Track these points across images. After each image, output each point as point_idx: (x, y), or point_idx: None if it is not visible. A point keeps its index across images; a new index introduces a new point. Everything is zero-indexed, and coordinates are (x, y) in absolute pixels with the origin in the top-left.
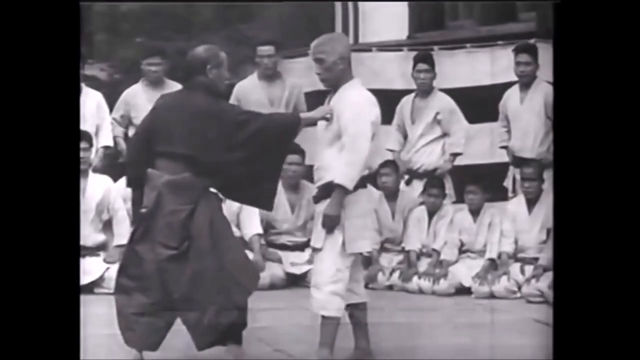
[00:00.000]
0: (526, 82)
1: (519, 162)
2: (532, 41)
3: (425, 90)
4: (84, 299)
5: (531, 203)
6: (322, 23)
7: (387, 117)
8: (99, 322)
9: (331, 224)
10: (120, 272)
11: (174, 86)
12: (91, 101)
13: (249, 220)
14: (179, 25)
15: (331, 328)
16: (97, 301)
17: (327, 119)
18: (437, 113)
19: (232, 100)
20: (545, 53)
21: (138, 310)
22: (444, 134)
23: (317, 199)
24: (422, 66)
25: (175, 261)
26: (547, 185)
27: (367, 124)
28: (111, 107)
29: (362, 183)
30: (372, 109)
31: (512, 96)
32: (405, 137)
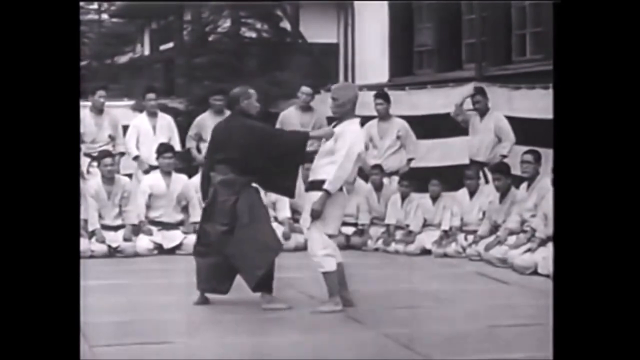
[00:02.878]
0: (482, 112)
1: (472, 165)
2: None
3: (383, 116)
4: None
5: (472, 193)
6: (330, 71)
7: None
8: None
9: (316, 215)
10: (197, 242)
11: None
12: (165, 121)
13: (281, 207)
14: (233, 72)
15: (332, 278)
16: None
17: (327, 138)
18: (398, 130)
19: (277, 124)
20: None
21: (211, 268)
22: (402, 146)
23: (307, 189)
24: (379, 100)
25: (226, 233)
26: (483, 181)
27: (355, 153)
28: (185, 128)
29: (341, 187)
30: (361, 144)
31: (474, 117)
32: (367, 148)
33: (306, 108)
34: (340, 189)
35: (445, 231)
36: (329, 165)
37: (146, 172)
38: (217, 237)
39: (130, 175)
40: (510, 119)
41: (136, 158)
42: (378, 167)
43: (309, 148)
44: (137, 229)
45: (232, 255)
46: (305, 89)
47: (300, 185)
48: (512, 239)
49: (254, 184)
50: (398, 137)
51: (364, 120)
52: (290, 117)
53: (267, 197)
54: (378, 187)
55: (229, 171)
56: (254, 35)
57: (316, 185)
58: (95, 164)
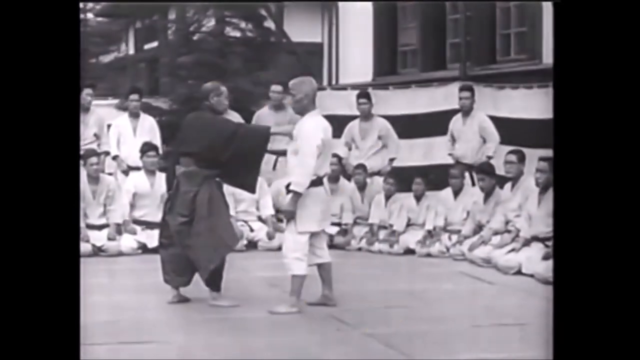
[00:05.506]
0: (467, 110)
1: (457, 165)
2: (456, 83)
3: (365, 116)
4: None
5: (456, 193)
6: (314, 70)
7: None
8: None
9: (289, 216)
10: (159, 234)
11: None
12: (147, 122)
13: (265, 205)
14: (218, 72)
15: (297, 281)
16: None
17: (290, 135)
18: (380, 130)
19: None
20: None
21: (172, 259)
22: (383, 146)
23: (286, 191)
24: (362, 100)
25: (185, 225)
26: (468, 181)
27: (313, 146)
28: (169, 128)
29: (316, 183)
30: (319, 134)
31: (457, 120)
32: (350, 148)
33: (279, 107)
34: (318, 185)
35: (429, 231)
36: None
37: (125, 172)
38: (177, 228)
39: (111, 174)
40: (495, 119)
41: (115, 158)
42: (361, 166)
43: (280, 147)
44: (121, 228)
45: (189, 246)
46: (275, 87)
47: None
48: (496, 239)
49: (216, 178)
50: (379, 137)
51: (348, 119)
52: (264, 117)
53: (249, 195)
54: (361, 187)
55: (192, 164)
56: (238, 34)
57: (289, 186)
58: (80, 162)
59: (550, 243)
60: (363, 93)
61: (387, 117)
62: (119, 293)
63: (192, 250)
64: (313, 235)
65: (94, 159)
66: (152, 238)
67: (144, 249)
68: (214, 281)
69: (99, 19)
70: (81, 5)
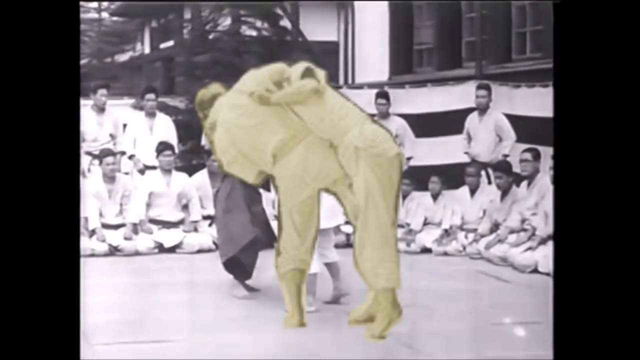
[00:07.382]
0: (483, 108)
1: (473, 163)
2: (472, 81)
3: (382, 115)
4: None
5: (473, 191)
6: (330, 69)
7: None
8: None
9: None
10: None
11: None
12: (163, 122)
13: None
14: (234, 70)
15: (310, 280)
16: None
17: None
18: (397, 129)
19: None
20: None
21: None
22: (400, 145)
23: None
24: (381, 100)
25: (214, 219)
26: (484, 179)
27: None
28: (185, 127)
29: None
30: None
31: (473, 118)
32: None
33: None
34: None
35: (445, 230)
36: None
37: (141, 171)
38: (222, 222)
39: (127, 174)
40: (510, 117)
41: (131, 157)
42: None
43: None
44: (137, 228)
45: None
46: None
47: None
48: (512, 237)
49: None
50: (396, 136)
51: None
52: None
53: (265, 194)
54: None
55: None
56: (254, 33)
57: None
58: (96, 162)
59: None
60: (382, 93)
61: (403, 116)
62: (135, 292)
63: (218, 243)
64: (321, 233)
65: (109, 159)
66: (168, 238)
67: (160, 248)
68: (233, 272)
69: (115, 18)
70: (96, 4)
